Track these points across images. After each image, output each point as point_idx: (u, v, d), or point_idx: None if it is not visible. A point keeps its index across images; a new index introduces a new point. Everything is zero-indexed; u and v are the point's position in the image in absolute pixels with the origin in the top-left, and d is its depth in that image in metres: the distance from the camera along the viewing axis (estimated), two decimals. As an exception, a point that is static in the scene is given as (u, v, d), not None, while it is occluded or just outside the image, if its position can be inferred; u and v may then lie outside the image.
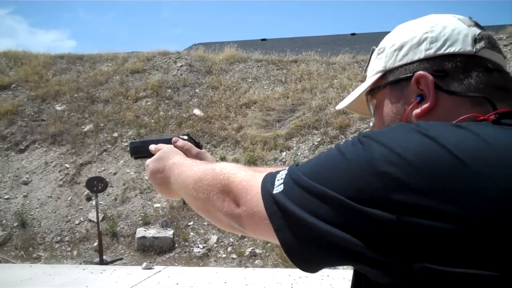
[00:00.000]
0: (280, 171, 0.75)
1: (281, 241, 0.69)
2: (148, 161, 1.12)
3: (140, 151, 1.22)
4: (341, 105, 0.97)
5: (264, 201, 0.72)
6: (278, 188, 0.70)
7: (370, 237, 0.60)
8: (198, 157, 1.13)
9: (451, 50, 0.76)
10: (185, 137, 1.19)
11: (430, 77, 0.76)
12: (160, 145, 1.16)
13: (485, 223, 0.56)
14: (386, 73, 0.84)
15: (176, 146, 1.15)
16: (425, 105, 0.76)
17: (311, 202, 0.65)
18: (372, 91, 0.87)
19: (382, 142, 0.63)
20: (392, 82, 0.82)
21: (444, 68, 0.76)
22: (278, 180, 0.72)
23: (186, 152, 1.14)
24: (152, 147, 1.17)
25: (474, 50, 0.75)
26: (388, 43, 0.85)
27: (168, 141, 1.17)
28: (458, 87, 0.75)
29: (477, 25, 0.79)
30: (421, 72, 0.77)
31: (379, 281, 0.63)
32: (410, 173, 0.59)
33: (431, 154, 0.59)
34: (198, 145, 1.19)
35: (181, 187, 0.97)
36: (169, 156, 1.08)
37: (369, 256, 0.60)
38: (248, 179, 0.79)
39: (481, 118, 0.70)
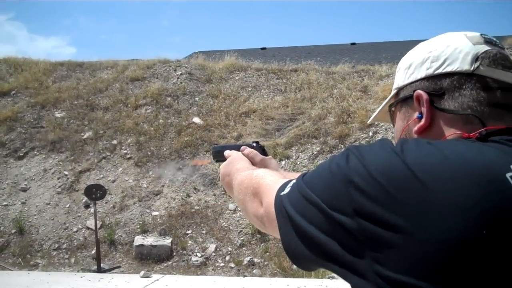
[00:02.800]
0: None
1: (281, 237, 0.76)
2: (221, 165, 1.24)
3: (219, 155, 1.33)
4: (371, 119, 1.05)
5: (275, 201, 0.80)
6: (285, 191, 0.78)
7: (339, 240, 0.65)
8: (261, 163, 1.21)
9: (449, 69, 0.78)
10: (254, 145, 1.28)
11: (425, 96, 0.78)
12: (232, 152, 1.26)
13: (428, 235, 0.57)
14: (399, 90, 0.87)
15: (243, 154, 1.23)
16: (421, 124, 0.78)
17: (302, 204, 0.71)
18: (392, 106, 0.91)
19: (358, 155, 0.67)
20: (401, 100, 0.86)
21: (442, 86, 0.78)
22: (290, 184, 0.79)
23: (251, 159, 1.22)
24: (226, 152, 1.27)
25: (472, 68, 0.76)
26: (403, 62, 0.88)
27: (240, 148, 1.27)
28: (451, 105, 0.76)
29: (487, 42, 0.79)
30: (418, 91, 0.79)
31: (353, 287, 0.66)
32: (370, 183, 0.63)
33: (391, 168, 0.63)
34: (265, 152, 1.28)
35: (234, 190, 1.08)
36: (236, 162, 1.18)
37: (339, 258, 0.65)
38: (272, 183, 0.88)
39: (465, 135, 0.71)
